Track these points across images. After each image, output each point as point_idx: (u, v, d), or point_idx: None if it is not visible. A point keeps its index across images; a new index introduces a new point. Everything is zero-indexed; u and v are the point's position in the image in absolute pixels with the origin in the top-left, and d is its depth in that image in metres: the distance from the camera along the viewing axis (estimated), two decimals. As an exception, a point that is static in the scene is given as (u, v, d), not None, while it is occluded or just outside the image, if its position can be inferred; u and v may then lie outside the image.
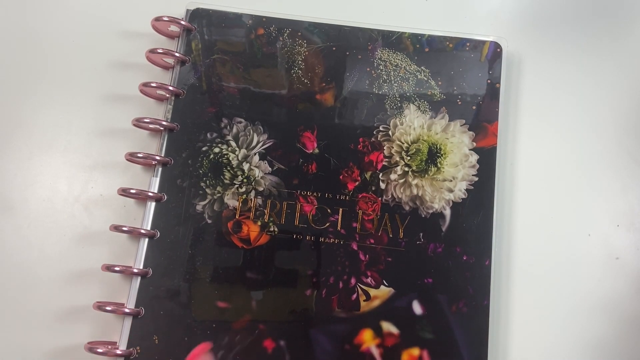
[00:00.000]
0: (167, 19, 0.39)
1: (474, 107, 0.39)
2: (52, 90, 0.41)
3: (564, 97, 0.42)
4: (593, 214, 0.40)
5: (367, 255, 0.36)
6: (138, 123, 0.37)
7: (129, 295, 0.35)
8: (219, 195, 0.37)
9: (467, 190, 0.38)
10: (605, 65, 0.43)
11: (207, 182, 0.37)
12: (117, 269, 0.35)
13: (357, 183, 0.38)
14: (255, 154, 0.38)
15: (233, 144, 0.38)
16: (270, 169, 0.38)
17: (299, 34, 0.40)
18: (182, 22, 0.39)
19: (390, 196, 0.37)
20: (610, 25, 0.44)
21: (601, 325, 0.38)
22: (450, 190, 0.38)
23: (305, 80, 0.39)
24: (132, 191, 0.36)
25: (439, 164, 0.38)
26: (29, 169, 0.39)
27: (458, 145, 0.38)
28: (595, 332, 0.37)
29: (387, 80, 0.40)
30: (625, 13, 0.45)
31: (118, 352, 0.34)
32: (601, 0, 0.45)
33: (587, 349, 0.37)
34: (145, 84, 0.38)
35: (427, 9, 0.44)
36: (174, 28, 0.40)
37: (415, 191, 0.38)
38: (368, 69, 0.40)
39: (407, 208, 0.37)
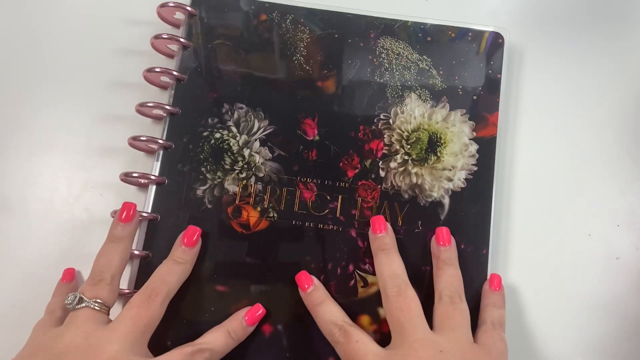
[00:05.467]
0: (172, 4, 0.39)
1: (475, 97, 0.39)
2: (53, 85, 0.41)
3: (564, 91, 0.42)
4: (593, 214, 0.40)
5: (366, 243, 0.37)
6: (141, 108, 0.38)
7: (129, 278, 0.36)
8: (219, 180, 0.37)
9: (466, 179, 0.38)
10: (605, 61, 0.43)
11: (208, 167, 0.38)
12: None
13: (357, 170, 0.38)
14: (255, 140, 0.38)
15: (234, 129, 0.38)
16: (270, 155, 0.38)
17: (301, 20, 0.40)
18: (188, 8, 0.39)
19: (389, 184, 0.38)
20: (612, 19, 0.44)
21: (601, 325, 0.38)
22: (450, 180, 0.38)
23: (307, 67, 0.40)
24: (134, 175, 0.36)
25: (438, 153, 0.38)
26: (29, 169, 0.40)
27: (458, 134, 0.38)
28: (595, 332, 0.38)
29: (389, 69, 0.40)
30: (627, 8, 0.44)
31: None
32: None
33: (586, 349, 0.37)
34: (150, 70, 0.38)
35: (427, 6, 0.44)
36: (179, 15, 0.40)
37: (414, 179, 0.38)
38: (370, 57, 0.40)
39: (406, 196, 0.37)
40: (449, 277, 0.34)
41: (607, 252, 0.39)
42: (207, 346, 0.32)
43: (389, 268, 0.34)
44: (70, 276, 0.37)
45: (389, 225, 0.36)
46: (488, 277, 0.36)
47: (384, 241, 0.35)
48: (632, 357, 0.37)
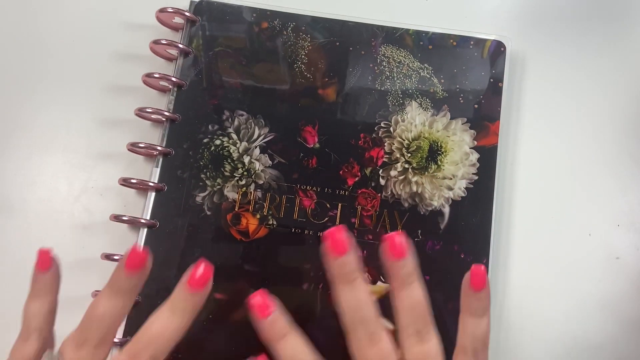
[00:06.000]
0: (171, 10, 0.39)
1: (476, 106, 0.39)
2: (53, 88, 0.41)
3: (566, 97, 0.42)
4: (593, 214, 0.40)
5: (365, 251, 0.36)
6: (140, 113, 0.37)
7: (127, 284, 0.35)
8: (218, 187, 0.37)
9: (466, 188, 0.38)
10: (607, 66, 0.43)
11: (208, 173, 0.37)
12: (116, 257, 0.35)
13: (357, 179, 0.38)
14: (256, 147, 0.38)
15: (234, 136, 0.38)
16: (270, 162, 0.38)
17: (303, 28, 0.40)
18: (187, 14, 0.39)
19: (389, 192, 0.38)
20: (614, 25, 0.44)
21: (601, 325, 0.38)
22: (450, 188, 0.38)
23: (308, 75, 0.39)
24: (133, 181, 0.36)
25: (439, 162, 0.38)
26: (29, 169, 0.39)
27: (459, 143, 0.38)
28: (595, 332, 0.38)
29: (390, 77, 0.40)
30: (629, 13, 0.44)
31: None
32: (606, 0, 0.45)
33: (586, 349, 0.37)
34: (149, 75, 0.38)
35: (428, 8, 0.44)
36: (178, 20, 0.40)
37: (414, 188, 0.38)
38: (371, 65, 0.40)
39: (406, 205, 0.37)
40: (410, 303, 0.27)
41: (607, 252, 0.39)
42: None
43: (356, 303, 0.27)
44: (46, 263, 0.29)
45: (351, 241, 0.27)
46: (469, 271, 0.28)
47: (346, 268, 0.27)
48: (632, 357, 0.37)
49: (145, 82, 0.39)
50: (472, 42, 0.40)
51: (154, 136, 0.39)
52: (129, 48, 0.42)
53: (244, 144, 0.38)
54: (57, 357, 0.27)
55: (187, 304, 0.27)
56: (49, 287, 0.28)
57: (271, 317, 0.26)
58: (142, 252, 0.27)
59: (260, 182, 0.37)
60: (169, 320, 0.26)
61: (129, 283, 0.27)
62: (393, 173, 0.38)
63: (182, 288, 0.27)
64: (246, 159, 0.38)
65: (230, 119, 0.39)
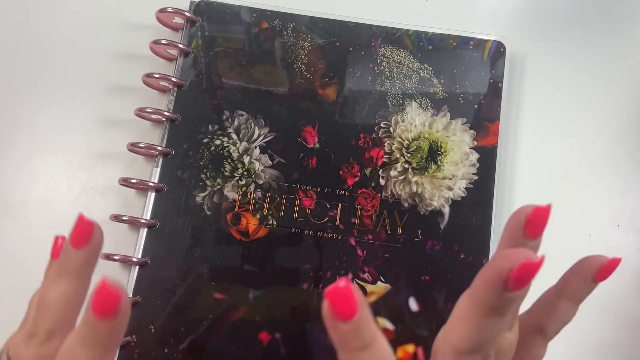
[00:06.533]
0: (171, 10, 0.39)
1: (476, 106, 0.39)
2: (53, 87, 0.41)
3: (566, 97, 0.42)
4: (593, 214, 0.40)
5: (365, 251, 0.36)
6: (140, 113, 0.37)
7: (127, 284, 0.35)
8: (218, 187, 0.37)
9: (466, 188, 0.38)
10: (607, 66, 0.43)
11: (208, 173, 0.37)
12: (116, 257, 0.35)
13: (356, 179, 0.38)
14: (256, 147, 0.38)
15: (234, 136, 0.38)
16: (270, 162, 0.38)
17: (303, 28, 0.40)
18: (187, 14, 0.39)
19: (389, 192, 0.38)
20: (613, 25, 0.44)
21: (601, 326, 0.38)
22: (450, 189, 0.38)
23: (308, 75, 0.40)
24: (133, 181, 0.36)
25: (439, 162, 0.38)
26: (29, 169, 0.39)
27: (459, 143, 0.38)
28: (595, 332, 0.38)
29: (390, 77, 0.40)
30: (629, 12, 0.44)
31: None
32: (606, 0, 0.45)
33: (586, 349, 0.37)
34: (149, 75, 0.38)
35: (428, 8, 0.44)
36: (178, 20, 0.40)
37: (414, 188, 0.38)
38: (371, 66, 0.40)
39: (406, 205, 0.37)
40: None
41: (607, 252, 0.39)
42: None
43: None
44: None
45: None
46: (599, 258, 0.25)
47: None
48: (632, 357, 0.37)
49: (145, 82, 0.39)
50: (472, 43, 0.40)
51: (154, 136, 0.39)
52: (129, 48, 0.42)
53: (244, 144, 0.38)
54: (2, 356, 0.23)
55: (73, 262, 0.22)
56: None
57: (356, 319, 0.19)
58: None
59: (260, 182, 0.37)
60: (57, 285, 0.23)
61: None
62: (393, 173, 0.38)
63: (67, 247, 0.23)
64: (246, 159, 0.38)
65: (230, 119, 0.39)
